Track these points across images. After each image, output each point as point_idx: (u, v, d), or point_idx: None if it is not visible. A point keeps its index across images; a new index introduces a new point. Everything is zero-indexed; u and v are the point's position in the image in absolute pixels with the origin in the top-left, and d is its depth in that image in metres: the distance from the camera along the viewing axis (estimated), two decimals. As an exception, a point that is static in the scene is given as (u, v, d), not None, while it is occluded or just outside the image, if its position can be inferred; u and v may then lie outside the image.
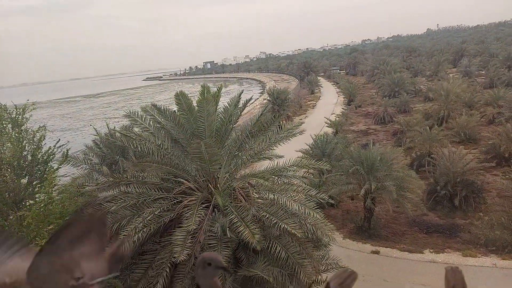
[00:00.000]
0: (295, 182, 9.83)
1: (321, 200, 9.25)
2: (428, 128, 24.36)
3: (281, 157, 10.30)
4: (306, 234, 8.60)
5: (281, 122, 10.89)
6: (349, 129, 35.55)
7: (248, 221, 7.81)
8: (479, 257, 14.01)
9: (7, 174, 7.91)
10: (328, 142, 21.47)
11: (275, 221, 8.11)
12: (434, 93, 36.43)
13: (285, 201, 8.41)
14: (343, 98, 54.90)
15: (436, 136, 23.11)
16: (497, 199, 17.98)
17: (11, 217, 7.86)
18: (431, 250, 14.79)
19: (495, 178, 20.63)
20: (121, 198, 8.50)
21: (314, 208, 8.62)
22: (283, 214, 8.34)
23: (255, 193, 8.73)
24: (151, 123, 9.53)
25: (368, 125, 37.93)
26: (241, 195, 8.77)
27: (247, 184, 9.09)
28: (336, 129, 31.64)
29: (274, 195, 8.56)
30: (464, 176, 17.70)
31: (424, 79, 60.64)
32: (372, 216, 16.71)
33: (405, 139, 26.66)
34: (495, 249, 14.28)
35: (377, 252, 15.07)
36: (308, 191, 9.31)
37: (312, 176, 19.08)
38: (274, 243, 8.16)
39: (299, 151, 19.95)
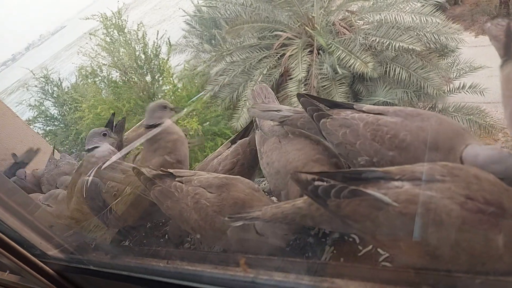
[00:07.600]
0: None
1: (439, 1, 7.83)
2: None
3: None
4: (427, 45, 7.74)
5: None
6: None
7: (357, 51, 7.34)
8: None
9: (133, 76, 9.04)
10: None
11: (387, 42, 7.42)
12: None
13: (395, 17, 7.43)
14: None
15: None
16: None
17: (153, 110, 9.26)
18: None
19: None
20: (230, 69, 8.90)
21: (432, 13, 7.44)
22: (395, 31, 7.51)
23: (358, 19, 7.90)
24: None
25: None
26: (343, 27, 8.08)
27: (346, 13, 8.23)
28: None
29: (380, 14, 7.61)
30: None
31: None
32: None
33: None
34: None
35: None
36: (421, -5, 7.91)
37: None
38: (391, 65, 7.65)
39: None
